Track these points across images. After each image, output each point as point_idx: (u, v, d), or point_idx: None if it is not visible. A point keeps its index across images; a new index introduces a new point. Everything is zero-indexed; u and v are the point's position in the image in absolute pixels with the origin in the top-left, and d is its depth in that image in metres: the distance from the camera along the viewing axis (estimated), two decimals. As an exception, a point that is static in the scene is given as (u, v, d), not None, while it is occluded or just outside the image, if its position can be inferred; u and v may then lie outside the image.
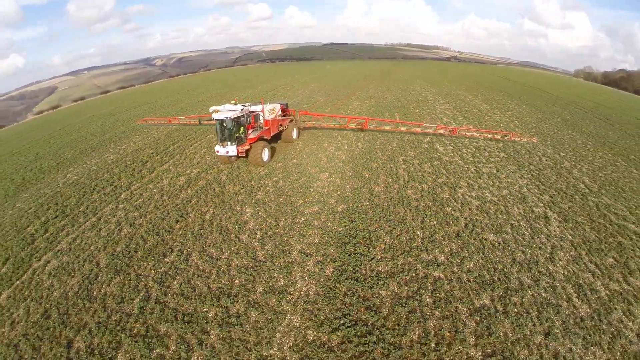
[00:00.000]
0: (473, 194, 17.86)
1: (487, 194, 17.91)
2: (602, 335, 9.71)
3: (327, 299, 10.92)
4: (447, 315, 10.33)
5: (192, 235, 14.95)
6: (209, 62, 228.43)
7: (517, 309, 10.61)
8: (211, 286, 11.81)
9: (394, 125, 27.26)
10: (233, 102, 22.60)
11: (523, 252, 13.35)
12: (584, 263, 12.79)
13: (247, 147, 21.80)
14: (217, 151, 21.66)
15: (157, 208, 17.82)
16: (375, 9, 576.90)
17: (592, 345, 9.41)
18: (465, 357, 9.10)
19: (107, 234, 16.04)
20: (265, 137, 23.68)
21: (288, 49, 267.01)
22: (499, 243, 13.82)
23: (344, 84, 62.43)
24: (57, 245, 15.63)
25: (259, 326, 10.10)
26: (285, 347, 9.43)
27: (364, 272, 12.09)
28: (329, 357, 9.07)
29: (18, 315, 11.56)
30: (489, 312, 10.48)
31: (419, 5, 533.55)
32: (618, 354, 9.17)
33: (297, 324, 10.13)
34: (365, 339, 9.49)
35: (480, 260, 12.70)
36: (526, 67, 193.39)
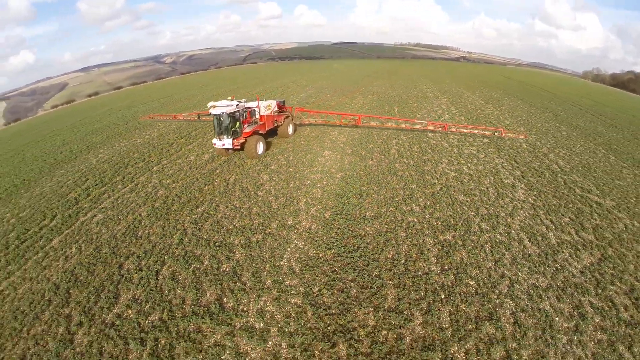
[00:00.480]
0: (452, 168, 21.29)
1: (464, 169, 21.31)
2: (547, 268, 12.65)
3: (325, 231, 14.48)
4: (415, 244, 13.75)
5: (219, 193, 18.65)
6: (218, 60, 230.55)
7: (473, 244, 13.92)
8: (236, 225, 15.42)
9: (386, 122, 29.66)
10: (230, 98, 24.59)
11: (487, 208, 16.69)
12: (541, 219, 15.98)
13: (242, 140, 23.47)
14: (215, 144, 23.37)
15: (187, 176, 21.53)
16: (386, 8, 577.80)
17: (536, 274, 12.41)
18: (427, 269, 12.50)
19: (145, 194, 19.69)
20: (260, 132, 25.32)
21: (297, 47, 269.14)
22: (467, 201, 17.21)
23: (350, 82, 65.98)
24: (100, 205, 19.20)
25: (273, 248, 13.65)
26: (292, 260, 12.95)
27: (354, 215, 15.66)
28: (324, 266, 12.56)
29: (71, 252, 14.88)
30: (449, 244, 13.86)
31: (429, 4, 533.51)
32: (560, 282, 12.02)
33: (301, 246, 13.68)
34: (351, 254, 13.00)
35: (448, 212, 16.13)
36: (536, 68, 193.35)
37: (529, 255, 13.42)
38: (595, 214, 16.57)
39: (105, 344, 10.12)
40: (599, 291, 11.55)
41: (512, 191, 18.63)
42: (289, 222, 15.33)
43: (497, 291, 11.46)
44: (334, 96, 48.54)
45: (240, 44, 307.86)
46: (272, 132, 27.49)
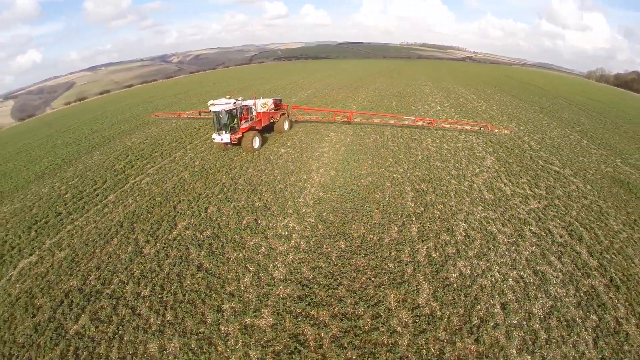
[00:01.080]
0: (434, 145, 26.40)
1: (444, 145, 26.37)
2: (498, 208, 17.35)
3: (331, 182, 19.60)
4: (397, 190, 18.78)
5: (247, 161, 23.87)
6: (225, 59, 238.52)
7: (442, 191, 18.79)
8: (263, 180, 20.56)
9: (376, 118, 32.71)
10: (228, 96, 26.66)
11: (457, 171, 21.67)
12: (501, 179, 20.75)
13: (239, 135, 25.70)
14: (214, 139, 25.49)
15: (218, 151, 26.69)
16: (392, 7, 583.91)
17: (488, 210, 17.20)
18: (404, 204, 17.47)
19: (184, 163, 24.83)
20: (256, 128, 27.67)
21: (304, 47, 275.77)
22: (442, 166, 22.25)
23: (355, 79, 71.35)
24: (146, 172, 24.21)
25: (292, 192, 18.72)
26: (307, 198, 18.01)
27: (353, 173, 20.86)
28: (330, 201, 17.61)
29: (128, 203, 19.65)
30: (423, 190, 18.85)
31: (436, 4, 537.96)
32: (507, 216, 16.65)
33: (313, 191, 18.79)
34: (350, 194, 18.08)
35: (425, 172, 21.20)
36: (542, 68, 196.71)
37: (485, 199, 18.30)
38: (552, 178, 21.19)
39: (170, 250, 14.98)
40: (540, 224, 16.10)
41: (482, 161, 23.58)
42: (304, 177, 20.55)
43: (455, 218, 16.41)
44: (339, 92, 53.73)
45: (246, 44, 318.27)
46: (270, 128, 30.20)
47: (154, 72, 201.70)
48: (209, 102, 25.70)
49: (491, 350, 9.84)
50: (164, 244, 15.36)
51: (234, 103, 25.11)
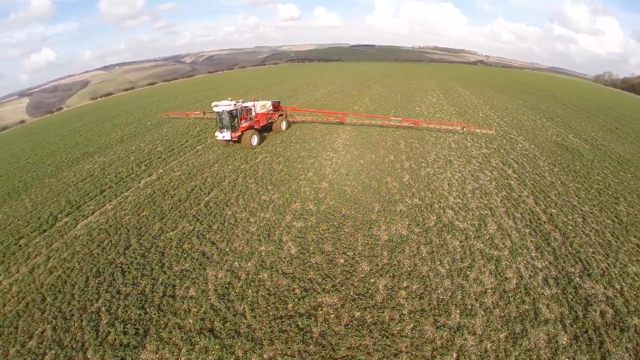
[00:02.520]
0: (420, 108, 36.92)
1: (416, 109, 36.91)
2: (458, 152, 27.17)
3: (347, 162, 28.92)
4: (395, 158, 29.09)
5: (277, 143, 34.24)
6: (237, 60, 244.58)
7: (433, 159, 28.56)
8: (297, 148, 30.97)
9: (366, 119, 36.63)
10: (230, 98, 29.84)
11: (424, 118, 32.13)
12: (467, 139, 31.05)
13: (239, 133, 29.13)
14: (217, 136, 29.06)
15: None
16: (404, 10, 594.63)
17: (452, 152, 27.30)
18: (402, 161, 27.81)
19: (213, 151, 35.33)
20: (255, 127, 31.08)
21: (316, 49, 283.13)
22: (435, 134, 32.77)
23: (367, 79, 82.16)
24: (180, 158, 34.55)
25: (313, 170, 28.56)
26: (327, 172, 27.51)
27: (367, 150, 31.07)
28: (346, 178, 27.25)
29: (214, 151, 30.18)
30: (418, 152, 29.30)
31: (448, 7, 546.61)
32: (464, 154, 26.60)
33: (330, 171, 28.47)
34: (363, 168, 28.24)
35: (418, 134, 31.71)
36: (553, 72, 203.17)
37: (452, 148, 28.54)
38: (505, 140, 31.52)
39: (258, 169, 25.50)
40: (484, 158, 26.12)
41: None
42: (324, 156, 30.38)
43: (428, 155, 26.84)
44: (353, 88, 64.46)
45: (258, 45, 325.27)
46: (269, 128, 34.19)
47: (167, 71, 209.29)
48: (213, 104, 29.15)
49: (436, 198, 20.10)
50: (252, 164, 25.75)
51: (235, 105, 28.49)
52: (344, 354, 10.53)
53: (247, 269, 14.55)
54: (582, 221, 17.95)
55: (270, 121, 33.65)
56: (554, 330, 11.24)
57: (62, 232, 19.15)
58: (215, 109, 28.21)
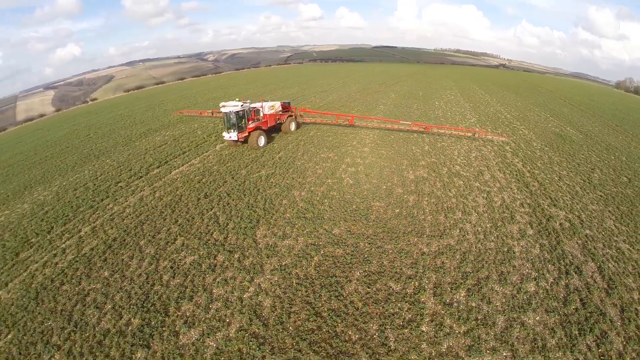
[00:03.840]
0: (439, 103, 44.26)
1: (435, 103, 44.20)
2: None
3: (382, 135, 36.72)
4: (417, 135, 36.68)
5: (307, 137, 42.12)
6: (260, 59, 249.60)
7: (444, 144, 36.56)
8: (325, 140, 38.73)
9: (375, 122, 37.05)
10: (237, 99, 30.13)
11: (442, 111, 39.44)
12: (477, 126, 38.43)
13: (246, 134, 29.34)
14: (224, 136, 29.36)
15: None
16: (426, 12, 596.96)
17: (469, 140, 34.98)
18: (423, 137, 35.34)
19: None
20: (262, 128, 31.36)
21: (338, 50, 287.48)
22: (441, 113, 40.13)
23: (391, 79, 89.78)
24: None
25: (356, 140, 36.52)
26: (367, 141, 35.56)
27: (387, 141, 38.82)
28: (382, 145, 35.47)
29: (200, 164, 38.18)
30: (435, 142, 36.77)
31: (471, 10, 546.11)
32: (475, 143, 34.47)
33: (370, 141, 36.59)
34: (394, 141, 35.92)
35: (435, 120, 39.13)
36: (577, 78, 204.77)
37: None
38: (508, 128, 38.13)
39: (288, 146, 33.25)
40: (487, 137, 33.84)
41: (466, 118, 41.25)
42: (354, 143, 37.88)
43: (453, 147, 34.19)
44: (379, 87, 71.85)
45: (281, 45, 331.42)
46: (277, 129, 35.05)
47: (190, 69, 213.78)
48: (221, 104, 29.70)
49: (448, 159, 27.44)
50: (307, 137, 33.52)
51: (242, 106, 28.89)
52: (388, 228, 17.99)
53: (321, 191, 22.19)
54: (558, 179, 24.80)
55: (278, 122, 34.27)
56: (524, 227, 18.30)
57: (159, 176, 26.65)
58: (222, 110, 28.70)
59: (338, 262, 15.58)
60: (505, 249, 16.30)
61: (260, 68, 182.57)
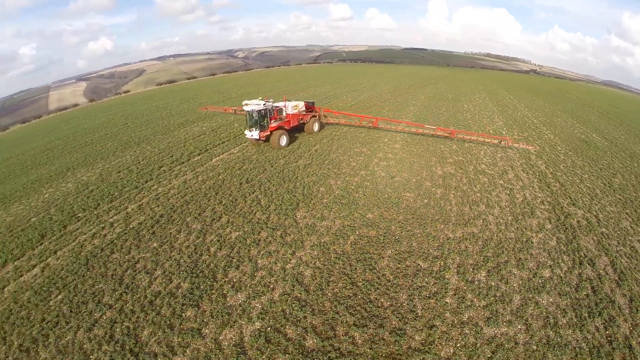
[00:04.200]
0: (467, 105, 45.12)
1: (464, 106, 45.02)
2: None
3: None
4: (444, 144, 37.79)
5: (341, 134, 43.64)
6: (289, 58, 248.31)
7: (471, 145, 37.58)
8: (359, 136, 40.28)
9: (399, 125, 35.98)
10: (261, 98, 29.85)
11: (471, 114, 40.35)
12: (504, 129, 39.24)
13: (267, 133, 29.21)
14: (246, 134, 29.24)
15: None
16: (457, 15, 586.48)
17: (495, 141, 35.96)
18: (449, 143, 36.48)
19: None
20: (285, 127, 30.88)
21: (368, 50, 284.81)
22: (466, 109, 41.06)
23: (421, 81, 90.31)
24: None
25: (388, 137, 38.06)
26: (398, 139, 37.07)
27: (417, 140, 40.01)
28: (412, 144, 36.82)
29: (239, 153, 40.12)
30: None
31: (502, 13, 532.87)
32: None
33: (401, 139, 37.90)
34: (423, 140, 37.21)
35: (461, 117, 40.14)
36: (608, 86, 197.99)
37: (490, 133, 36.83)
38: (534, 132, 38.65)
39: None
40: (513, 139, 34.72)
41: (493, 121, 42.02)
42: (385, 140, 39.51)
43: (479, 147, 35.23)
44: (410, 89, 72.63)
45: (310, 44, 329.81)
46: (300, 129, 34.49)
47: (220, 65, 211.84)
48: (243, 102, 29.25)
49: (474, 158, 28.60)
50: (341, 132, 35.24)
51: (264, 105, 28.58)
52: (417, 215, 19.49)
53: (355, 181, 23.90)
54: (579, 181, 25.54)
55: (301, 122, 33.69)
56: (543, 222, 19.44)
57: (200, 163, 28.68)
58: (245, 108, 28.45)
59: (371, 241, 17.22)
60: (524, 239, 17.52)
61: (291, 66, 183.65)
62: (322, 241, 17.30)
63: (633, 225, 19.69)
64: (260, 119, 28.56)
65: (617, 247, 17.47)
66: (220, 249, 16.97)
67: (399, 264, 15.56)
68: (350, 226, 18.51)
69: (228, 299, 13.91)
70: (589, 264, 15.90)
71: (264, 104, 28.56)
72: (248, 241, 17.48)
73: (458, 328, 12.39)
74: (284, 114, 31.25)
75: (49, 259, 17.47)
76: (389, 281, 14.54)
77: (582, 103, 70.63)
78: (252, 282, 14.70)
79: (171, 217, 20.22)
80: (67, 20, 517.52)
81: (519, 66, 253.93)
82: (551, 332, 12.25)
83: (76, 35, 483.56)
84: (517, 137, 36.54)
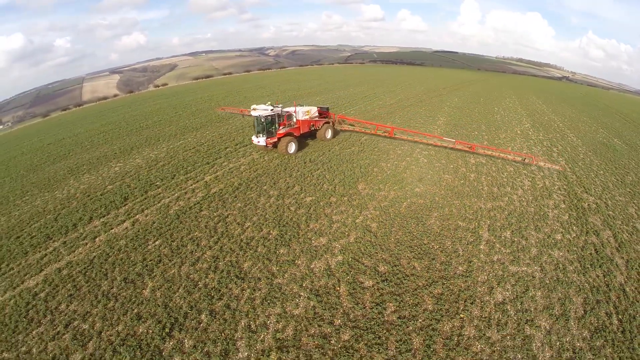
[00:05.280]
0: (497, 108, 48.29)
1: (495, 109, 48.14)
2: (524, 137, 39.47)
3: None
4: (477, 139, 41.23)
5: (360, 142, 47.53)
6: (320, 57, 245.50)
7: (500, 142, 40.90)
8: (362, 140, 44.09)
9: (417, 136, 33.29)
10: (268, 103, 27.96)
11: (500, 116, 43.60)
12: (530, 131, 42.37)
13: (275, 140, 27.18)
14: (253, 140, 27.65)
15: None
16: (490, 18, 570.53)
17: (522, 141, 39.31)
18: (480, 139, 40.01)
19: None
20: (294, 134, 28.55)
21: (398, 52, 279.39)
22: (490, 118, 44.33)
23: (454, 84, 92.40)
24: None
25: (415, 142, 41.82)
26: (409, 155, 40.97)
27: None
28: (442, 151, 40.49)
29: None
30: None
31: (535, 18, 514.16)
32: (526, 143, 38.80)
33: (426, 145, 41.69)
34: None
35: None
36: None
37: (517, 136, 40.07)
38: (558, 134, 41.25)
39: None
40: (539, 138, 37.86)
41: (521, 123, 45.05)
42: (403, 149, 43.33)
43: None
44: (443, 90, 74.87)
45: (341, 44, 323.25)
46: (312, 135, 31.92)
47: (251, 62, 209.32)
48: (252, 107, 27.54)
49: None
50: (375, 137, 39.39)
51: (272, 110, 26.64)
52: (455, 191, 23.41)
53: (402, 165, 28.28)
54: (594, 176, 28.24)
55: (312, 128, 31.08)
56: (558, 202, 22.79)
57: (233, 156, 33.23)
58: (252, 113, 26.86)
59: (421, 207, 21.31)
60: (542, 213, 21.16)
61: (324, 65, 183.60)
62: (382, 205, 21.50)
63: (638, 212, 22.61)
64: (268, 125, 26.96)
65: (620, 225, 20.53)
66: (299, 209, 20.77)
67: (443, 222, 19.65)
68: (403, 196, 22.68)
69: (313, 241, 17.55)
70: (594, 234, 19.33)
71: (271, 109, 26.82)
72: (322, 203, 21.48)
73: (489, 264, 16.37)
74: (294, 119, 29.16)
75: (137, 215, 20.15)
76: (436, 232, 18.73)
77: (610, 111, 71.07)
78: (330, 230, 18.66)
79: (249, 185, 23.24)
80: (101, 14, 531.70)
81: (551, 72, 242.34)
82: (560, 274, 15.84)
83: (110, 29, 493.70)
84: (542, 136, 39.54)
